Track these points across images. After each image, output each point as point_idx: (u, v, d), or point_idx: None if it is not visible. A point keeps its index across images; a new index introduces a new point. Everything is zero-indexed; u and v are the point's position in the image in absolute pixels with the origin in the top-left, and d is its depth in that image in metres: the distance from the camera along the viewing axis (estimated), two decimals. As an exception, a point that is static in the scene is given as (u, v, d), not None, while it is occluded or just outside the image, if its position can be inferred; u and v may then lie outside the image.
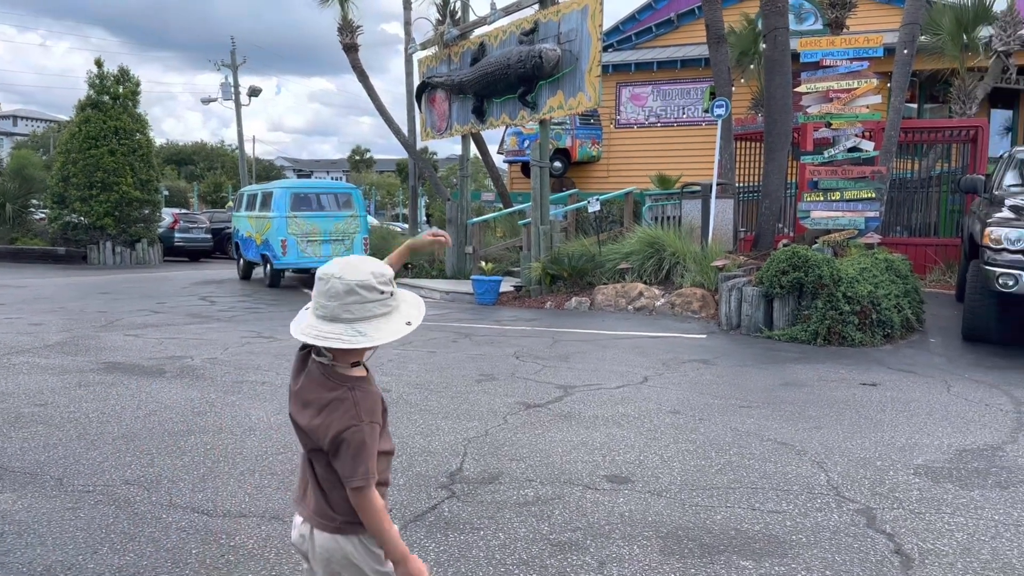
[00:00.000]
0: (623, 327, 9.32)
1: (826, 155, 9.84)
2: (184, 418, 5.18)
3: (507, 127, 19.17)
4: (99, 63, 22.44)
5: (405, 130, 18.80)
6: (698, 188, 12.71)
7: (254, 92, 35.11)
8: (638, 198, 15.55)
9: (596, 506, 3.66)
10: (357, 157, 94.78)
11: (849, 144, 9.72)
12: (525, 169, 19.45)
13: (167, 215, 25.46)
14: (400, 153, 19.97)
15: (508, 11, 13.05)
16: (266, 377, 6.50)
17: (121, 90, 22.45)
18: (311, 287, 1.82)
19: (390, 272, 1.85)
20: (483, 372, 6.71)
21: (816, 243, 9.73)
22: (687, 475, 4.10)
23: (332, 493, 1.81)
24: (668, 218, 13.29)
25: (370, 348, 1.81)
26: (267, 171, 71.39)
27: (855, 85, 9.63)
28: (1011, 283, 7.27)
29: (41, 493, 3.79)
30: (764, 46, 12.65)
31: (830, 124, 9.84)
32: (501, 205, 18.54)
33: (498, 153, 21.79)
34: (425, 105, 15.86)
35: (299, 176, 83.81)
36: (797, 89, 10.11)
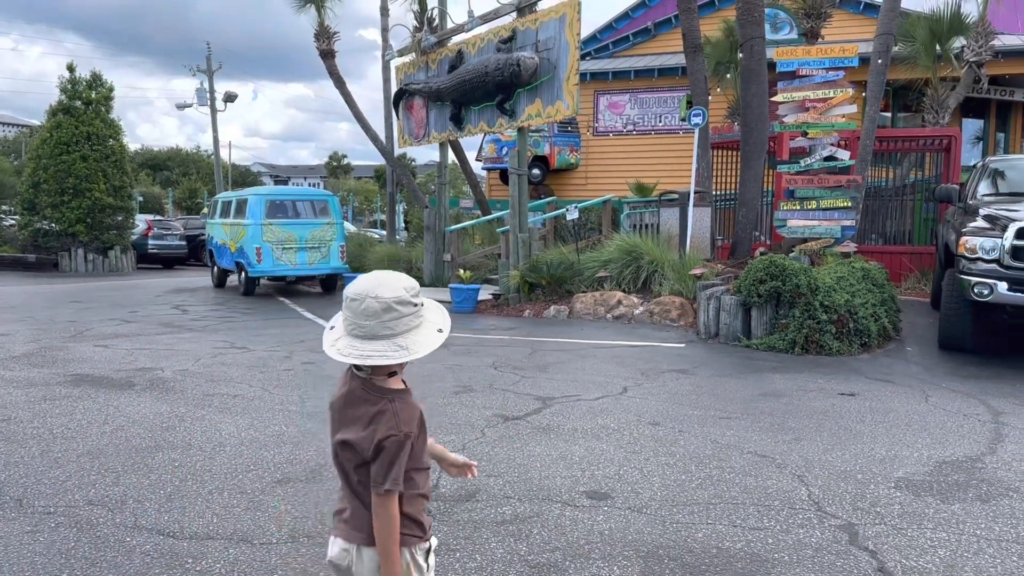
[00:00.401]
0: (602, 336, 9.27)
1: (803, 164, 9.88)
2: (152, 433, 5.04)
3: (485, 134, 19.11)
4: (71, 68, 22.11)
5: (383, 137, 18.68)
6: (676, 196, 12.71)
7: (230, 98, 34.78)
8: (616, 206, 15.54)
9: (575, 524, 3.59)
10: (335, 163, 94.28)
11: (825, 153, 9.76)
12: (504, 176, 19.40)
13: (140, 222, 25.12)
14: (378, 159, 19.85)
15: (486, 19, 13.00)
16: (238, 390, 6.36)
17: (94, 95, 22.14)
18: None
19: (416, 284, 1.89)
20: (461, 383, 6.62)
21: (793, 251, 9.76)
22: (667, 490, 4.04)
23: None
24: (646, 226, 13.28)
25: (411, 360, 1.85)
26: (243, 177, 70.78)
27: (831, 95, 9.68)
28: (986, 292, 7.30)
29: None
30: (741, 55, 12.69)
31: (806, 133, 9.88)
32: (479, 212, 18.47)
33: (476, 160, 21.72)
34: (403, 112, 15.76)
35: (276, 182, 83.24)
36: (774, 98, 10.14)
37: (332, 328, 1.88)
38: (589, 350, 8.33)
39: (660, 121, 20.25)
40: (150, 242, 24.59)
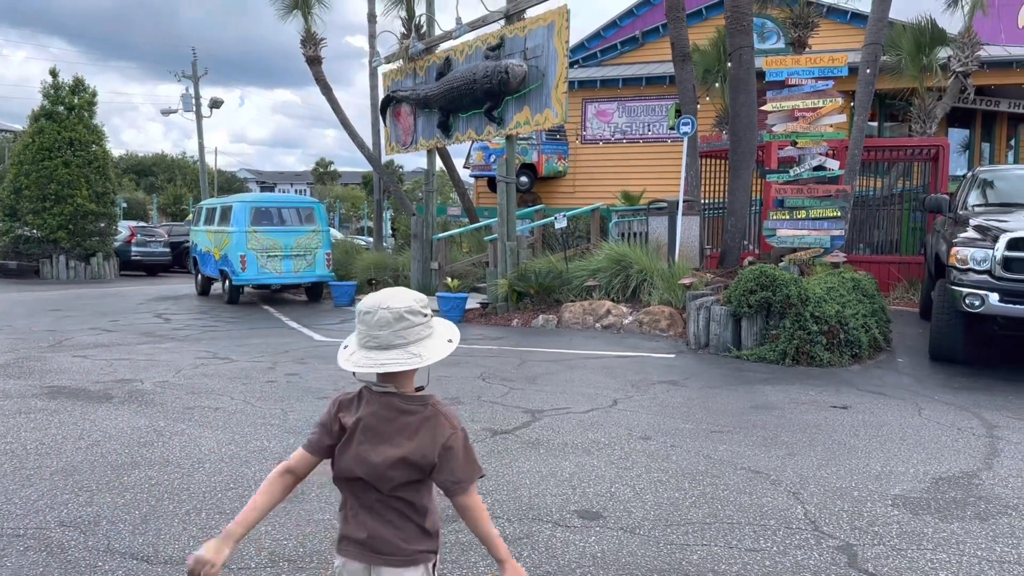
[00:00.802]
0: (591, 346, 9.17)
1: (792, 173, 9.83)
2: (129, 449, 4.89)
3: (473, 142, 19.02)
4: (54, 72, 21.85)
5: (370, 144, 18.54)
6: (664, 205, 12.64)
7: (215, 104, 34.55)
8: (604, 214, 15.47)
9: (566, 546, 3.47)
10: (321, 169, 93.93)
11: (815, 163, 9.72)
12: (491, 184, 19.30)
13: (124, 228, 24.83)
14: (366, 166, 19.71)
15: (474, 26, 12.92)
16: (219, 402, 6.21)
17: (76, 100, 21.87)
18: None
19: (425, 297, 1.96)
20: (447, 395, 6.50)
21: (782, 261, 9.70)
22: (661, 509, 3.93)
23: (406, 527, 1.90)
24: (635, 234, 13.21)
25: (424, 368, 1.90)
26: (229, 183, 70.36)
27: (820, 104, 9.65)
28: (977, 303, 7.25)
29: (-34, 537, 3.50)
30: (729, 64, 12.67)
31: (796, 143, 9.84)
32: (467, 220, 18.35)
33: (464, 168, 21.61)
34: (390, 119, 15.65)
35: (262, 188, 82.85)
36: (763, 108, 10.11)
37: (346, 347, 1.93)
38: (578, 360, 8.23)
39: (648, 130, 20.23)
40: (133, 249, 24.30)
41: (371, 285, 14.84)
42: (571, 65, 20.20)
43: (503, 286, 11.66)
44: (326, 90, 18.21)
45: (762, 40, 19.19)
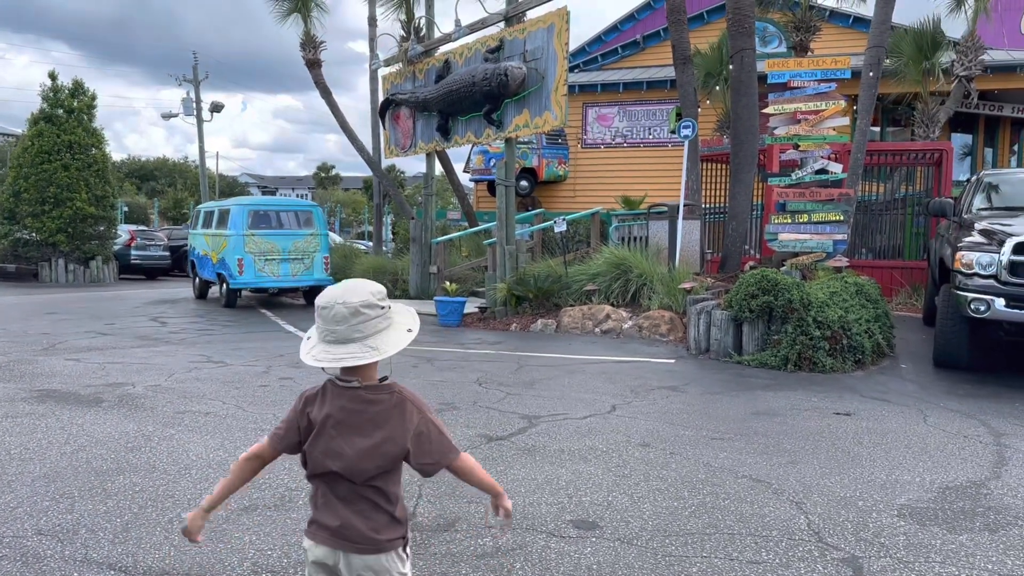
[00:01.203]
0: (590, 351, 9.05)
1: (794, 177, 9.73)
2: (115, 455, 4.77)
3: (473, 145, 18.91)
4: (53, 75, 21.78)
5: (370, 148, 18.46)
6: (665, 209, 12.54)
7: (216, 108, 34.49)
8: (605, 218, 15.37)
9: (561, 558, 3.35)
10: (323, 174, 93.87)
11: (817, 166, 9.61)
12: (492, 188, 19.19)
13: (123, 232, 24.73)
14: (367, 171, 19.58)
15: (473, 28, 12.83)
16: (211, 407, 6.09)
17: (76, 103, 21.77)
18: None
19: (383, 288, 1.99)
20: (444, 400, 6.38)
21: (784, 265, 9.59)
22: (659, 519, 3.81)
23: (377, 517, 1.94)
24: (635, 239, 13.10)
25: (382, 359, 1.93)
26: (231, 187, 70.23)
27: (823, 106, 9.55)
28: (983, 308, 7.13)
29: (-60, 546, 3.38)
30: (731, 67, 12.57)
31: (798, 146, 9.74)
32: (467, 224, 18.25)
33: (464, 172, 21.52)
34: (389, 122, 15.55)
35: (263, 193, 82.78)
36: (764, 110, 10.00)
37: (308, 339, 1.97)
38: (577, 366, 8.11)
39: (649, 134, 20.14)
40: (133, 252, 24.19)
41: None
42: (572, 69, 20.17)
43: (502, 290, 11.55)
44: (325, 94, 18.14)
45: (764, 44, 19.11)
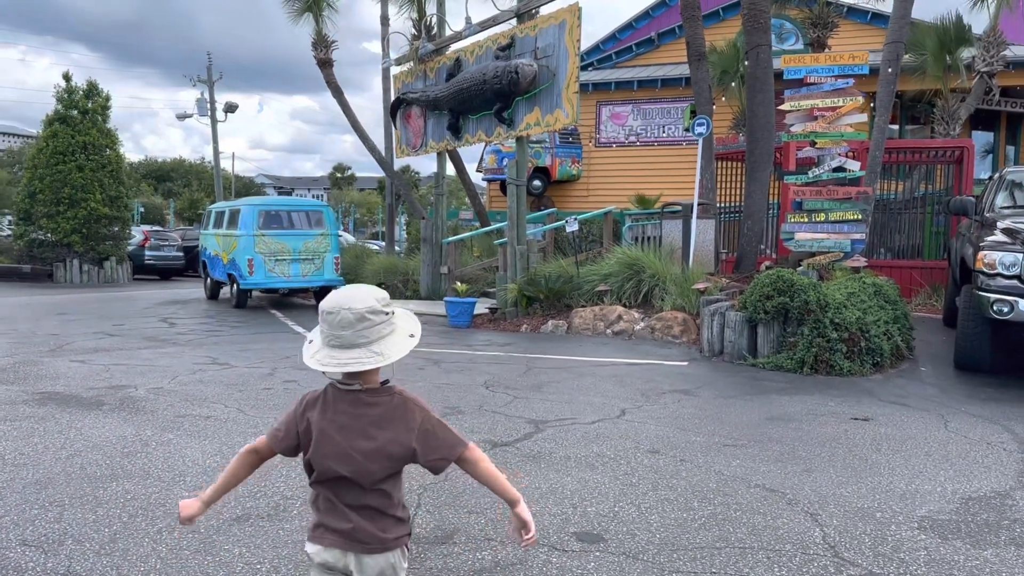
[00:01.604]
0: (601, 353, 8.89)
1: (811, 175, 9.51)
2: (110, 460, 4.66)
3: (486, 145, 18.78)
4: (67, 77, 21.85)
5: (382, 147, 18.37)
6: (679, 208, 12.34)
7: (230, 108, 34.54)
8: (617, 218, 15.18)
9: (562, 573, 3.19)
10: (339, 175, 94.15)
11: (835, 164, 9.39)
12: (504, 187, 19.03)
13: (137, 232, 24.81)
14: (382, 171, 19.53)
15: (484, 26, 12.68)
16: (212, 411, 5.99)
17: (90, 104, 21.85)
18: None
19: (386, 294, 2.01)
20: (449, 404, 6.24)
21: (800, 266, 9.37)
22: (667, 531, 3.65)
23: (383, 520, 1.97)
24: (648, 238, 12.91)
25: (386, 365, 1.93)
26: (247, 188, 70.45)
27: (840, 103, 9.32)
28: (1006, 310, 6.91)
29: (-79, 557, 3.27)
30: (746, 63, 12.35)
31: (815, 143, 9.51)
32: (479, 224, 18.12)
33: (477, 171, 21.41)
34: (400, 121, 15.44)
35: (279, 193, 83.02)
36: (781, 107, 9.79)
37: (311, 342, 1.98)
38: (587, 368, 7.95)
39: (663, 132, 19.92)
40: (147, 253, 24.27)
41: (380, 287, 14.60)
42: (586, 68, 20.01)
43: (512, 291, 11.40)
44: (337, 93, 18.06)
45: (780, 41, 18.84)
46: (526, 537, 2.08)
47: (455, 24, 13.72)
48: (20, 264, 21.88)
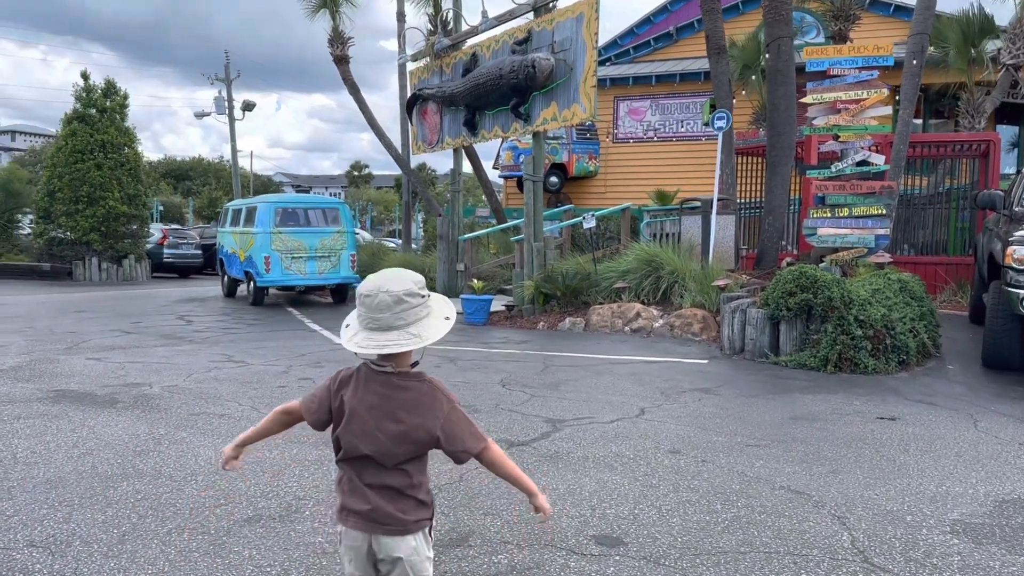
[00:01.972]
0: (619, 350, 8.76)
1: (834, 169, 9.32)
2: (122, 459, 4.60)
3: (503, 141, 18.68)
4: (85, 75, 21.98)
5: (399, 144, 18.31)
6: (698, 204, 12.18)
7: (248, 106, 34.63)
8: (635, 214, 15.02)
9: (581, 578, 3.09)
10: (356, 173, 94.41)
11: (858, 157, 9.20)
12: (520, 184, 18.88)
13: (156, 230, 24.92)
14: (399, 169, 19.50)
15: (501, 20, 12.57)
16: (226, 408, 5.93)
17: (108, 103, 21.95)
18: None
19: (422, 277, 2.01)
20: (465, 403, 6.11)
21: (823, 262, 9.20)
22: (689, 535, 3.53)
23: (404, 501, 1.99)
24: (666, 235, 12.75)
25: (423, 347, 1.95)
26: (265, 187, 70.77)
27: (864, 95, 9.13)
28: (1037, 306, 6.72)
29: (-72, 558, 3.22)
30: (767, 56, 12.16)
31: (838, 136, 9.33)
32: (495, 221, 18.02)
33: (493, 168, 21.30)
34: (416, 118, 15.36)
35: (297, 191, 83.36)
36: (803, 100, 9.60)
37: (348, 326, 2.00)
38: (605, 366, 7.82)
39: (681, 127, 19.72)
40: (165, 251, 24.37)
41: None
42: (603, 63, 19.83)
43: (529, 288, 11.29)
44: (353, 90, 18.03)
45: (801, 35, 18.57)
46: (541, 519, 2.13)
47: (471, 19, 13.64)
48: (40, 262, 22.03)
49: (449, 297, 13.55)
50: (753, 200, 15.12)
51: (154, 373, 7.38)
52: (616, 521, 3.68)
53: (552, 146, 18.85)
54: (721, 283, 9.71)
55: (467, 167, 16.69)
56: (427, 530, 2.05)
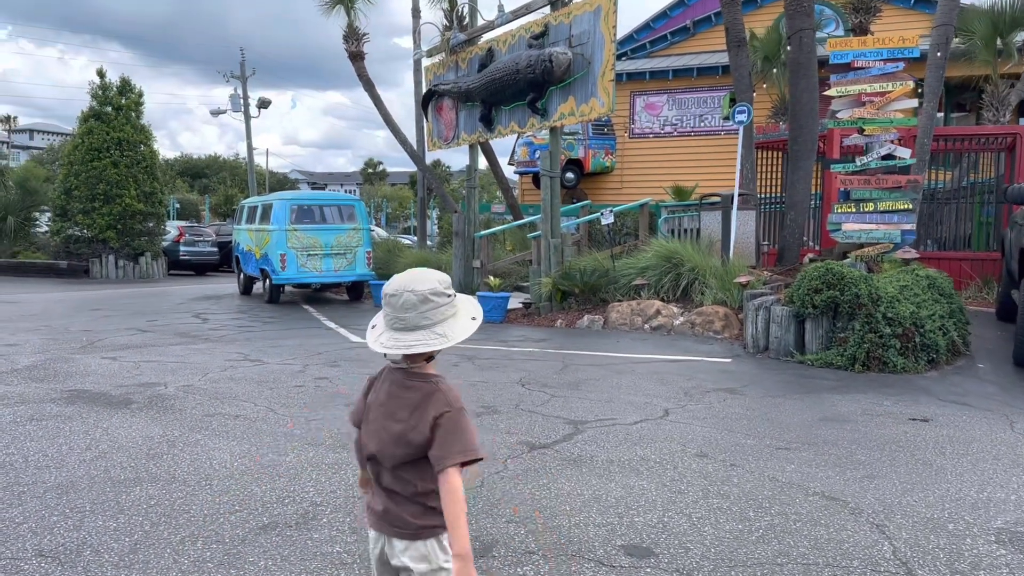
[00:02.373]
0: (640, 349, 8.60)
1: (859, 163, 9.12)
2: (136, 462, 4.50)
3: (518, 137, 18.53)
4: (101, 73, 21.99)
5: (414, 141, 18.19)
6: (718, 199, 11.98)
7: (263, 104, 34.64)
8: (653, 210, 14.84)
9: (611, 591, 2.95)
10: (370, 170, 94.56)
11: (884, 151, 9.00)
12: (537, 180, 18.78)
13: (172, 228, 24.93)
14: (414, 166, 19.42)
15: (517, 14, 12.41)
16: (242, 409, 5.82)
17: (124, 101, 21.96)
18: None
19: (448, 277, 1.98)
20: (484, 403, 6.01)
21: (847, 258, 9.00)
22: (722, 544, 3.38)
23: (408, 503, 1.93)
24: (685, 231, 12.56)
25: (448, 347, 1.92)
26: (281, 184, 71.02)
27: (889, 88, 8.93)
28: (1073, 304, 6.51)
29: (-65, 567, 3.12)
30: (788, 48, 11.94)
31: (862, 130, 9.13)
32: (511, 217, 17.87)
33: (509, 164, 21.15)
34: (432, 114, 15.23)
35: (313, 188, 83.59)
36: (827, 92, 9.40)
37: (374, 327, 1.98)
38: (626, 365, 7.67)
39: (699, 122, 19.49)
40: (182, 248, 24.37)
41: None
42: (619, 58, 19.63)
43: (547, 285, 11.14)
44: (369, 86, 17.92)
45: (820, 28, 18.30)
46: None
47: (487, 13, 13.48)
48: (57, 260, 22.09)
49: (466, 294, 13.41)
50: (774, 195, 14.90)
51: (169, 372, 7.30)
52: (645, 530, 3.54)
53: (568, 142, 18.68)
54: (743, 280, 9.53)
55: (482, 163, 16.56)
56: (442, 537, 1.97)
